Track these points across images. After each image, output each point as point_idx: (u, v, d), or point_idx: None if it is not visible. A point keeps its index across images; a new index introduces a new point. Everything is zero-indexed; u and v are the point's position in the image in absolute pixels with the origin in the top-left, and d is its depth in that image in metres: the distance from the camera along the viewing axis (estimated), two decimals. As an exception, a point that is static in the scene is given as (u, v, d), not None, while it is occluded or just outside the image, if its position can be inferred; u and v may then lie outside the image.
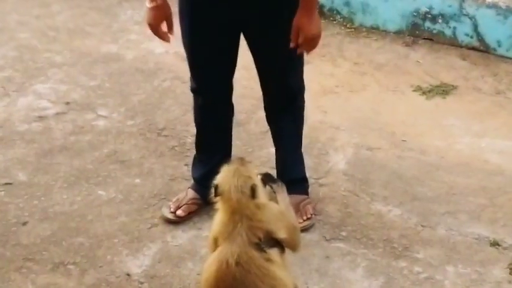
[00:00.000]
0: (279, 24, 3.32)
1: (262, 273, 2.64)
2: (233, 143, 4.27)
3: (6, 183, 4.07)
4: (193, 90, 3.68)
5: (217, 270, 2.66)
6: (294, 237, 2.85)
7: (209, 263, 2.72)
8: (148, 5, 3.35)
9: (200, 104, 3.72)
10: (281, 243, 2.78)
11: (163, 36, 3.43)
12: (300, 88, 3.71)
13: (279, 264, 2.71)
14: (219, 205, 2.79)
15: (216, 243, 2.77)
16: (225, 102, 3.74)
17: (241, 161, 2.84)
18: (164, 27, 3.42)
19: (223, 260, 2.66)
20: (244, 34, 3.48)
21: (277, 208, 2.89)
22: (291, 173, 3.80)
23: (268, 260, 2.69)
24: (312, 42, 3.29)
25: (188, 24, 3.43)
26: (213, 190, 2.78)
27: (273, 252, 2.72)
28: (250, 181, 2.75)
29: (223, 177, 2.79)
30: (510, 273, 3.39)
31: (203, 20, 3.40)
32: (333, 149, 4.42)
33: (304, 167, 3.88)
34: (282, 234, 2.77)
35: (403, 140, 4.52)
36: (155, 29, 3.41)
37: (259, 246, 2.68)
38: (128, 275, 3.42)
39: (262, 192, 2.82)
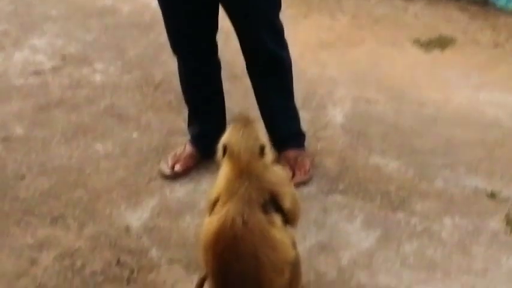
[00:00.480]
0: None
1: (263, 235, 2.63)
2: (230, 96, 4.25)
3: (4, 138, 4.06)
4: (173, 52, 3.63)
5: (220, 227, 2.64)
6: (296, 208, 2.83)
7: (212, 219, 2.69)
8: None
9: (182, 67, 3.67)
10: (283, 212, 2.76)
11: None
12: (282, 47, 3.59)
13: (279, 228, 2.70)
14: (225, 163, 2.76)
15: (215, 203, 2.73)
16: (207, 62, 3.65)
17: (247, 119, 2.80)
18: None
19: (229, 218, 2.63)
20: None
21: (283, 173, 2.89)
22: (285, 128, 3.77)
23: (271, 222, 2.67)
24: None
25: None
26: (220, 150, 2.74)
27: (276, 216, 2.71)
28: (259, 141, 2.73)
29: (231, 137, 2.74)
30: (507, 225, 3.41)
31: None
32: (331, 103, 4.41)
33: (299, 121, 3.85)
34: (286, 202, 2.74)
35: (401, 93, 4.51)
36: None
37: (265, 207, 2.67)
38: (127, 228, 3.43)
39: (270, 153, 2.79)
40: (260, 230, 2.63)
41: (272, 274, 2.67)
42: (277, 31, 3.54)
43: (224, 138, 2.76)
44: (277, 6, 3.48)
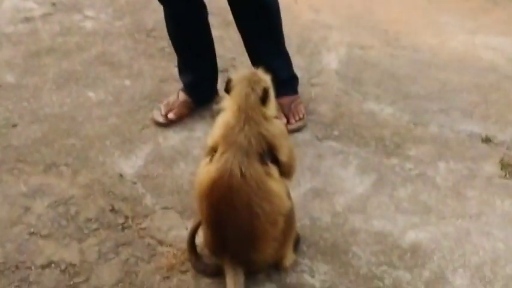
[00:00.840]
0: None
1: (258, 187, 2.62)
2: (222, 43, 4.22)
3: (-5, 86, 4.03)
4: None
5: (217, 178, 2.63)
6: (292, 163, 2.80)
7: (210, 168, 2.67)
8: None
9: (168, 13, 3.61)
10: (279, 166, 2.73)
11: None
12: None
13: (276, 179, 2.69)
14: (227, 105, 2.73)
15: (214, 149, 2.71)
16: (193, 6, 3.57)
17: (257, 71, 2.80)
18: None
19: (226, 168, 2.61)
20: None
21: (283, 126, 2.87)
22: (277, 73, 3.67)
23: (268, 173, 2.66)
24: None
25: None
26: (225, 84, 2.73)
27: (272, 167, 2.69)
28: (264, 83, 2.71)
29: (238, 74, 2.76)
30: (501, 169, 3.41)
31: None
32: (325, 49, 4.37)
33: (290, 65, 3.80)
34: (283, 155, 2.72)
35: (395, 38, 4.47)
36: None
37: (263, 158, 2.66)
38: (121, 175, 3.42)
39: (273, 103, 2.76)
40: (257, 181, 2.62)
41: (266, 225, 2.68)
42: None
43: (232, 74, 2.76)
44: None
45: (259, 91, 2.68)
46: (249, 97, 2.66)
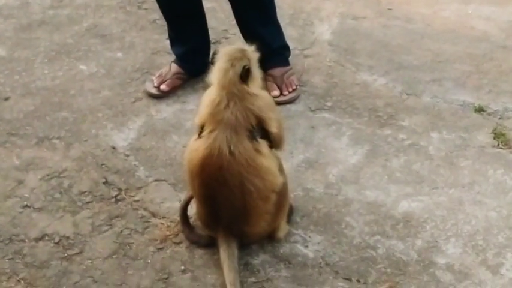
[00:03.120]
0: None
1: (249, 164, 2.62)
2: (215, 15, 4.20)
3: (-15, 59, 4.00)
4: None
5: (206, 156, 2.62)
6: (281, 133, 2.79)
7: (199, 146, 2.66)
8: None
9: None
10: (269, 138, 2.72)
11: None
12: None
13: (266, 155, 2.68)
14: (211, 80, 2.71)
15: (202, 127, 2.69)
16: None
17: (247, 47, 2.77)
18: None
19: (215, 147, 2.60)
20: None
21: (270, 98, 2.83)
22: (268, 43, 3.62)
23: (257, 150, 2.65)
24: None
25: None
26: (211, 56, 2.74)
27: (262, 143, 2.68)
28: (246, 61, 2.66)
29: (225, 48, 2.74)
30: (494, 138, 3.42)
31: None
32: (318, 19, 4.34)
33: (282, 35, 3.77)
34: (272, 127, 2.70)
35: (388, 9, 4.45)
36: None
37: (252, 134, 2.64)
38: (113, 148, 3.41)
39: (256, 81, 2.73)
40: (246, 158, 2.62)
41: (258, 201, 2.69)
42: None
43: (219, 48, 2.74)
44: None
45: (239, 68, 2.64)
46: (227, 73, 2.63)
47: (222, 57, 2.67)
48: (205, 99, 2.72)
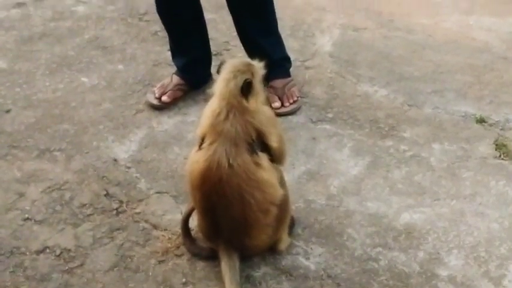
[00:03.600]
0: None
1: (248, 177, 2.61)
2: (215, 27, 4.20)
3: (-13, 72, 4.01)
4: None
5: (206, 169, 2.61)
6: (282, 148, 2.77)
7: (199, 158, 2.65)
8: None
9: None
10: (270, 152, 2.70)
11: None
12: None
13: (265, 168, 2.67)
14: (214, 90, 2.69)
15: (203, 138, 2.67)
16: None
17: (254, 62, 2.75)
18: None
19: (214, 159, 2.59)
20: None
21: (270, 113, 2.81)
22: (269, 54, 3.60)
23: (257, 164, 2.63)
24: None
25: None
26: (218, 66, 2.72)
27: (263, 156, 2.67)
28: (248, 75, 2.63)
29: (231, 59, 2.73)
30: (495, 149, 3.41)
31: None
32: (319, 31, 4.35)
33: (282, 46, 3.77)
34: (273, 142, 2.69)
35: (389, 20, 4.46)
36: None
37: (252, 147, 2.63)
38: (115, 160, 3.41)
39: (258, 96, 2.69)
40: (246, 171, 2.60)
41: (258, 214, 2.67)
42: None
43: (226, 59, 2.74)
44: None
45: (240, 80, 2.61)
46: (228, 84, 2.61)
47: (226, 68, 2.66)
48: (207, 110, 2.71)
